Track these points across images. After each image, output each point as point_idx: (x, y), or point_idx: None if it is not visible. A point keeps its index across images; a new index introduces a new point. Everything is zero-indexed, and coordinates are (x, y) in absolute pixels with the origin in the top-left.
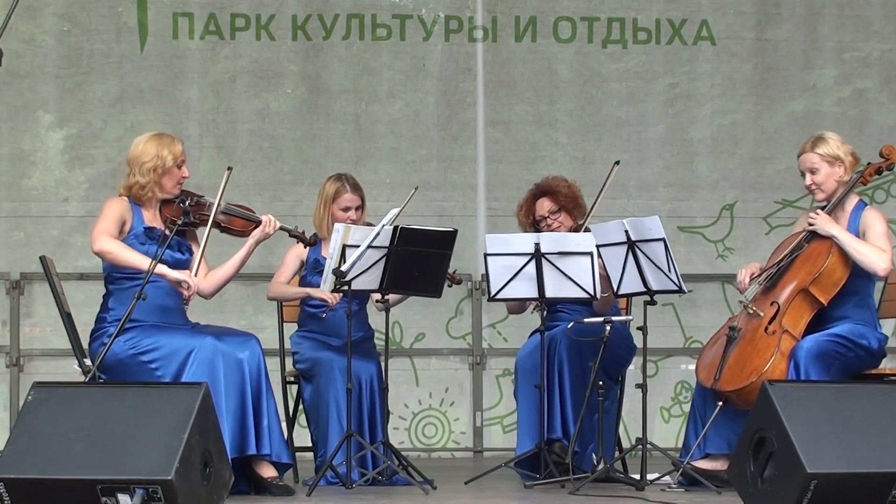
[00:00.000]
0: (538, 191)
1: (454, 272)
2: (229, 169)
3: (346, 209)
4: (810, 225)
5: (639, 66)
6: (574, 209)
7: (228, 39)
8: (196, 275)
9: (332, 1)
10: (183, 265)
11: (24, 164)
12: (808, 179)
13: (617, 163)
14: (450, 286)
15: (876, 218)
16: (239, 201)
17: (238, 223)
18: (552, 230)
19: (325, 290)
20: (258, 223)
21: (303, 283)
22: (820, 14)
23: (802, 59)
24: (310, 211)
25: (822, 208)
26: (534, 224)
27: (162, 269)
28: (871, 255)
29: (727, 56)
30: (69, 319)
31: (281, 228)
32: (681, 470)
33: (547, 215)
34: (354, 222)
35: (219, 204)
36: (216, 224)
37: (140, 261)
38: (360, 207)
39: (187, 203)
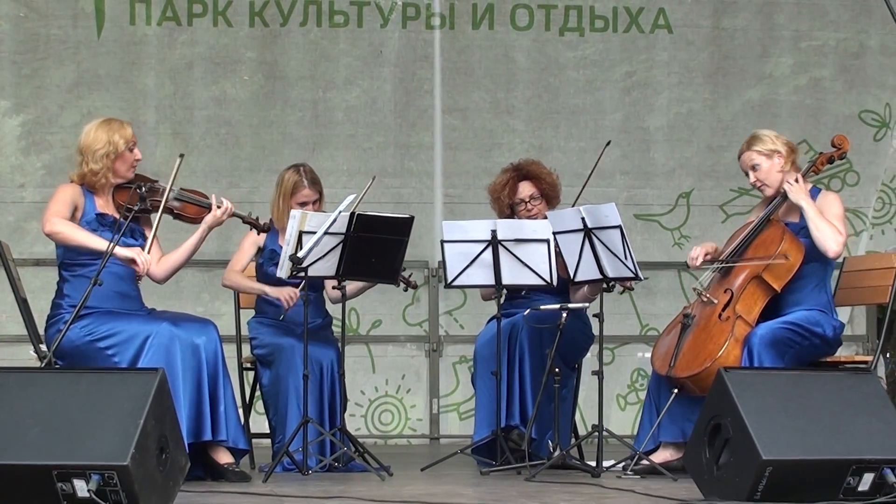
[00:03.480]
0: (520, 174)
1: (409, 276)
2: (181, 156)
3: (304, 204)
4: (788, 185)
5: (596, 55)
6: (553, 198)
7: (185, 26)
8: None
9: None
10: None
11: None
12: (752, 177)
13: (608, 143)
14: (405, 290)
15: (833, 200)
16: (195, 188)
17: (191, 210)
18: (530, 215)
19: (280, 290)
20: (210, 208)
21: (259, 272)
22: (776, 3)
23: (759, 47)
24: (266, 198)
25: (778, 196)
26: (510, 206)
27: (109, 248)
28: (829, 233)
29: (684, 44)
30: (25, 305)
31: (234, 215)
32: (636, 460)
33: (527, 200)
34: None
35: (170, 191)
36: (169, 210)
37: (90, 241)
38: (318, 200)
39: (143, 189)
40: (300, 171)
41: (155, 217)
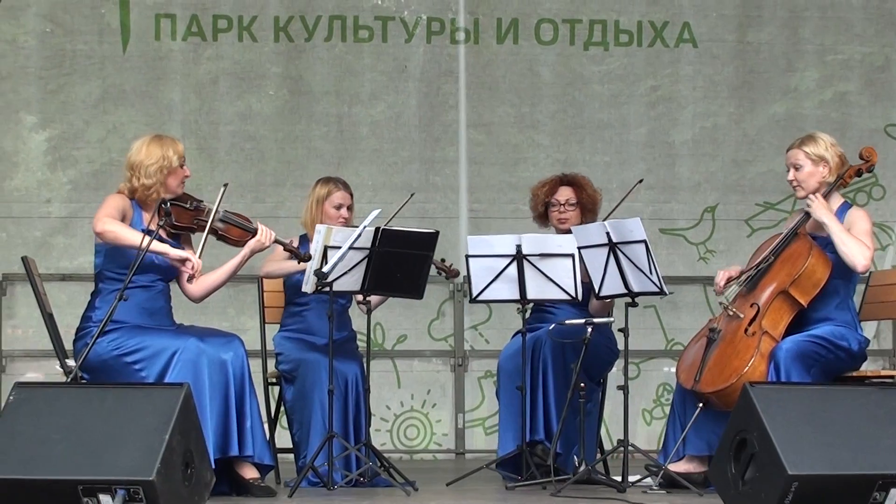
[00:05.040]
0: (565, 178)
1: (451, 265)
2: (225, 185)
3: (339, 206)
4: (807, 206)
5: (620, 69)
6: (589, 211)
7: (210, 41)
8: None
9: (314, 2)
10: (172, 271)
11: (6, 166)
12: (791, 175)
13: (640, 181)
14: (447, 278)
15: (861, 216)
16: (230, 208)
17: (235, 232)
18: (561, 219)
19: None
20: (254, 233)
21: (286, 282)
22: (801, 17)
23: (784, 61)
24: (291, 213)
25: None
26: (545, 205)
27: (163, 247)
28: (855, 248)
29: (709, 58)
30: (51, 320)
31: (276, 241)
32: (661, 473)
33: (563, 202)
34: (346, 220)
35: (214, 218)
36: (213, 231)
37: (139, 240)
38: (351, 207)
39: (167, 205)
40: (331, 179)
41: (197, 236)
